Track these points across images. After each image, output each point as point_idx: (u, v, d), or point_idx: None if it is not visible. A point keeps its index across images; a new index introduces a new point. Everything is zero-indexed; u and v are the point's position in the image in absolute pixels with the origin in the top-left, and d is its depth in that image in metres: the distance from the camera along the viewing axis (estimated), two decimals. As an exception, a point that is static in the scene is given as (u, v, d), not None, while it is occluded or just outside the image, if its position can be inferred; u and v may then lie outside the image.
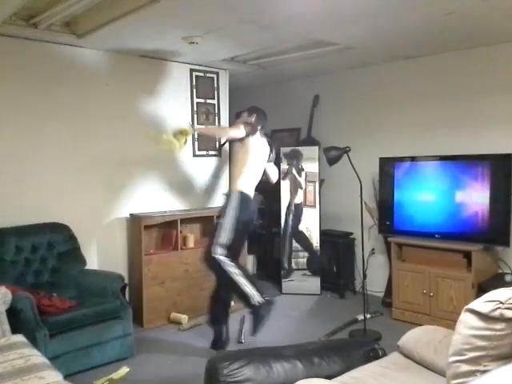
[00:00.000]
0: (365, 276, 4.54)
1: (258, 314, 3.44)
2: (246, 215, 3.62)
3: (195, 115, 4.88)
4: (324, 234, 5.19)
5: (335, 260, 5.09)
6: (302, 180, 5.21)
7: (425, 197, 4.30)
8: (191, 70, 4.84)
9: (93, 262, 3.86)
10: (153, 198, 4.57)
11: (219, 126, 4.84)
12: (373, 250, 4.97)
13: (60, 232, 3.76)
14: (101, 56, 4.19)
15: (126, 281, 3.97)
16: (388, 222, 4.55)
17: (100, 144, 4.22)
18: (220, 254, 3.46)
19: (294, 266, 5.25)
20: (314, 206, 5.19)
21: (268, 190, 4.80)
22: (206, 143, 4.95)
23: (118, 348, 3.42)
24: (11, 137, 3.75)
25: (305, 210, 5.22)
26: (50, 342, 3.03)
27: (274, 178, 4.09)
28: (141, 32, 3.66)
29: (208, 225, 4.71)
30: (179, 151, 3.84)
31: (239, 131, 3.71)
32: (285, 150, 5.26)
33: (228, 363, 1.93)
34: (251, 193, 3.72)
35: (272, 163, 4.02)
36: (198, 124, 4.88)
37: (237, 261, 3.61)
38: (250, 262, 5.48)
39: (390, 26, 3.61)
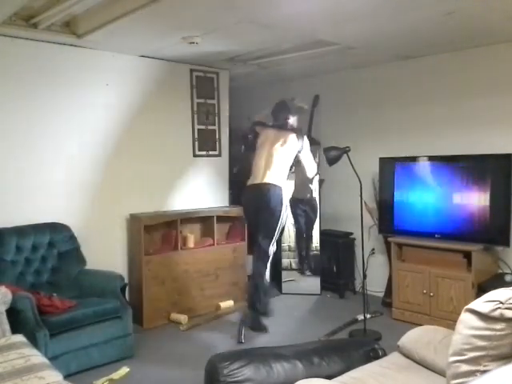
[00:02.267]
0: (365, 276, 4.54)
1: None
2: None
3: (195, 115, 4.88)
4: (324, 234, 5.18)
5: (335, 260, 5.09)
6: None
7: (425, 197, 4.30)
8: (191, 70, 4.84)
9: (93, 262, 3.85)
10: (153, 197, 4.57)
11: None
12: (373, 250, 4.97)
13: (60, 232, 3.76)
14: (101, 56, 4.18)
15: (126, 281, 3.97)
16: (388, 222, 4.55)
17: (99, 144, 4.23)
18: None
19: (293, 265, 5.25)
20: (314, 206, 5.17)
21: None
22: (205, 143, 4.96)
23: (118, 348, 3.42)
24: (11, 137, 3.75)
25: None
26: (50, 342, 3.02)
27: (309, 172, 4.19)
28: (141, 32, 3.66)
29: (208, 225, 4.72)
30: None
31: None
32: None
33: (228, 363, 1.93)
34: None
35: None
36: (198, 124, 4.88)
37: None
38: (250, 261, 5.46)
39: (390, 26, 3.60)
